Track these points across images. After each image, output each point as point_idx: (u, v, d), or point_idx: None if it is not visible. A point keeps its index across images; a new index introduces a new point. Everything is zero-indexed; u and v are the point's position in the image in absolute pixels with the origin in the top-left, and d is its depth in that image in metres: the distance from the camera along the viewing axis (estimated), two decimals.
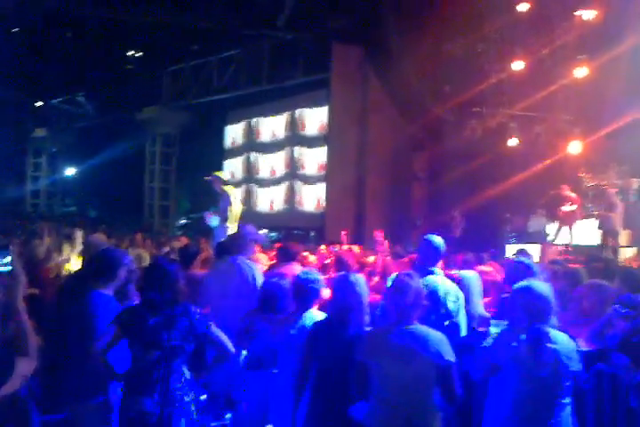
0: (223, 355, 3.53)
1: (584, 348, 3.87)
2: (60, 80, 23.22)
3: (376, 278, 6.10)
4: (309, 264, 6.80)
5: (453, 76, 15.00)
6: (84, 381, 3.66)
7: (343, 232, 10.33)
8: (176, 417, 3.26)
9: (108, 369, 3.40)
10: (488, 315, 5.09)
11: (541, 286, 3.46)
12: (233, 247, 5.28)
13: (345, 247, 9.72)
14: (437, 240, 4.49)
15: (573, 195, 12.46)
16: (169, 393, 3.27)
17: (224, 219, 8.78)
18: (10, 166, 26.72)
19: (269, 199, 21.75)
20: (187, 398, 3.34)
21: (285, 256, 5.77)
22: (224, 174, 9.65)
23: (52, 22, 19.13)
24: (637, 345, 3.76)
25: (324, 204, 18.55)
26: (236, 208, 9.06)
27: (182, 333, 3.30)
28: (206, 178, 9.55)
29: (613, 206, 11.67)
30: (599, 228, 11.77)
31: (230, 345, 3.48)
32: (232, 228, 8.76)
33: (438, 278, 4.37)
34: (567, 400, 3.30)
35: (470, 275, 5.46)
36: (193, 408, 3.38)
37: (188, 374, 3.40)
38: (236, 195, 9.41)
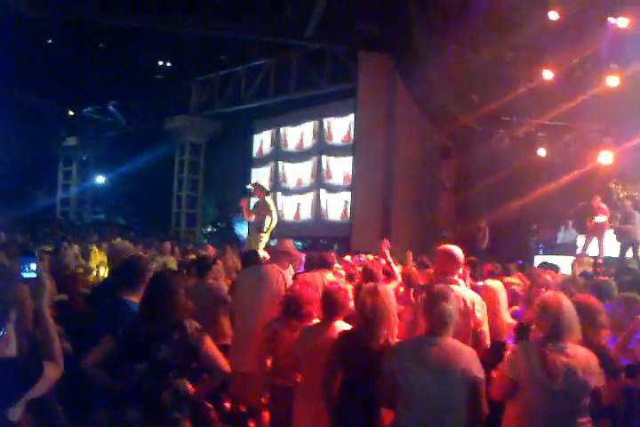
0: (215, 373, 3.34)
1: None
2: (92, 90, 23.64)
3: (401, 289, 6.05)
4: (339, 274, 6.79)
5: (482, 84, 14.88)
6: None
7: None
8: None
9: (102, 380, 3.33)
10: (512, 323, 5.02)
11: (562, 299, 3.40)
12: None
13: (370, 257, 9.66)
14: (454, 250, 4.42)
15: (604, 206, 12.23)
16: (157, 408, 3.17)
17: (261, 229, 8.82)
18: (41, 174, 27.24)
19: (295, 208, 21.80)
20: (177, 415, 3.22)
21: (320, 264, 5.73)
22: (265, 184, 9.62)
23: (83, 33, 19.51)
24: None
25: (349, 213, 18.55)
26: (275, 219, 9.09)
27: (174, 346, 3.20)
28: (248, 186, 9.56)
29: (630, 217, 11.47)
30: (617, 240, 11.58)
31: (223, 363, 3.31)
32: (265, 237, 8.81)
33: (462, 288, 4.31)
34: (585, 419, 3.22)
35: (495, 285, 5.39)
36: (182, 425, 3.25)
37: (183, 389, 3.26)
38: (274, 205, 9.42)
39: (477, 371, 3.16)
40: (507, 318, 5.15)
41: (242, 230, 24.79)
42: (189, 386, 3.32)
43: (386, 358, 3.27)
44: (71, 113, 27.16)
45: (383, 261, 6.04)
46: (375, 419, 3.46)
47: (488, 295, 4.87)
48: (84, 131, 27.58)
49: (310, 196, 21.15)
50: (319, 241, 20.65)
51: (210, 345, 3.29)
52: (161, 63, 23.39)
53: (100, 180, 28.59)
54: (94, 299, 4.49)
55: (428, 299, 3.33)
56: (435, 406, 3.11)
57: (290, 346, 4.00)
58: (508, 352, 3.40)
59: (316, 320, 4.14)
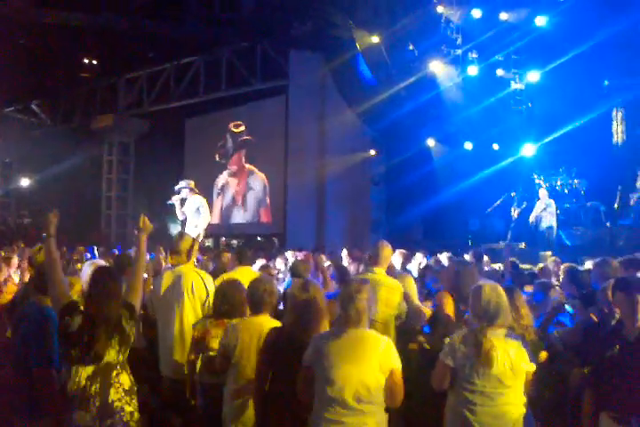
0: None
1: None
2: (14, 88, 22.72)
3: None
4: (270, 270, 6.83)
5: None
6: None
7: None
8: None
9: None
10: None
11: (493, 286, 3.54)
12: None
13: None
14: (383, 243, 4.83)
15: None
16: (107, 406, 3.24)
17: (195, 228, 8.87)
18: None
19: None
20: (128, 408, 3.31)
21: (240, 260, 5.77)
22: (193, 183, 9.66)
23: (5, 29, 18.72)
24: None
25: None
26: (207, 217, 9.32)
27: (115, 346, 3.29)
28: (176, 187, 9.56)
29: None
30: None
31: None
32: (200, 237, 8.88)
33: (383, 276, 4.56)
34: (520, 401, 3.41)
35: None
36: (137, 416, 3.35)
37: (128, 382, 3.36)
38: (205, 205, 9.49)
39: (394, 360, 3.23)
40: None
41: (175, 230, 24.42)
42: (132, 379, 3.42)
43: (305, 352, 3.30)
44: None
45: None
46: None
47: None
48: (6, 131, 26.49)
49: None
50: (256, 238, 20.61)
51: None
52: (87, 61, 22.69)
53: (25, 182, 27.53)
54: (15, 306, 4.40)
55: (342, 293, 3.39)
56: (353, 397, 3.14)
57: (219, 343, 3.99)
58: (447, 340, 3.49)
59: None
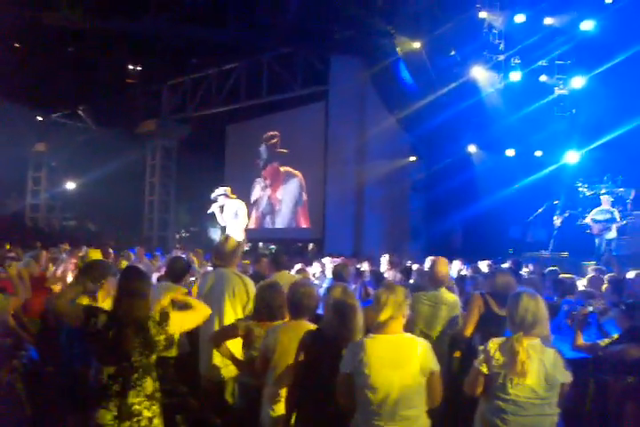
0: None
1: None
2: (61, 94, 23.31)
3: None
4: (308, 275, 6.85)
5: None
6: None
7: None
8: None
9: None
10: None
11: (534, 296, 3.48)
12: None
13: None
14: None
15: None
16: (126, 408, 3.24)
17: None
18: (10, 181, 26.76)
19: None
20: (147, 413, 3.29)
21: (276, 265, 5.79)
22: (229, 189, 9.78)
23: (53, 36, 19.25)
24: None
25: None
26: (245, 221, 9.42)
27: (139, 348, 3.28)
28: (212, 196, 9.70)
29: None
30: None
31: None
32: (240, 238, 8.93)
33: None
34: (553, 411, 3.33)
35: None
36: (156, 422, 3.33)
37: (150, 387, 3.34)
38: (243, 209, 9.59)
39: (433, 362, 3.22)
40: None
41: (215, 234, 24.68)
42: (157, 384, 3.39)
43: (342, 359, 3.29)
44: (40, 118, 26.77)
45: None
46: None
47: None
48: (53, 136, 27.19)
49: None
50: (294, 244, 20.68)
51: (175, 321, 3.43)
52: (131, 67, 23.17)
53: (71, 185, 28.18)
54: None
55: (377, 297, 3.37)
56: (396, 402, 3.13)
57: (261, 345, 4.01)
58: (481, 347, 3.45)
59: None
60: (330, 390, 3.35)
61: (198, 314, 3.63)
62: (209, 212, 9.76)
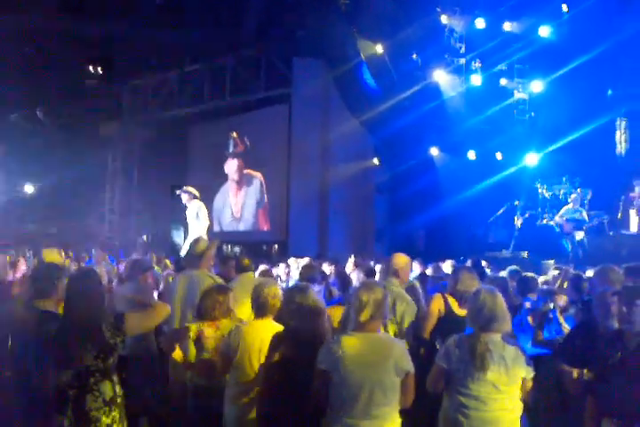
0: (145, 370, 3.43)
1: None
2: (19, 96, 22.83)
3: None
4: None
5: None
6: None
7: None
8: None
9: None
10: None
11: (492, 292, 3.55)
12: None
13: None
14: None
15: None
16: (83, 414, 3.16)
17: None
18: None
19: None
20: (106, 419, 3.20)
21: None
22: (194, 189, 9.75)
23: (9, 37, 18.84)
24: None
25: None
26: (204, 221, 9.39)
27: (93, 351, 3.21)
28: (177, 191, 9.67)
29: None
30: None
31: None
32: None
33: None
34: (515, 405, 3.40)
35: None
36: None
37: (110, 392, 3.25)
38: (203, 210, 9.57)
39: (408, 363, 3.25)
40: None
41: (178, 237, 24.42)
42: (116, 387, 3.31)
43: (318, 356, 3.31)
44: None
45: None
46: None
47: None
48: (10, 138, 26.58)
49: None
50: (257, 246, 20.59)
51: (131, 318, 3.36)
52: (91, 68, 22.80)
53: (30, 189, 27.59)
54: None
55: (356, 296, 3.39)
56: (369, 400, 3.16)
57: (217, 345, 4.00)
58: (442, 344, 3.51)
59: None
60: (300, 389, 3.36)
61: (157, 313, 3.57)
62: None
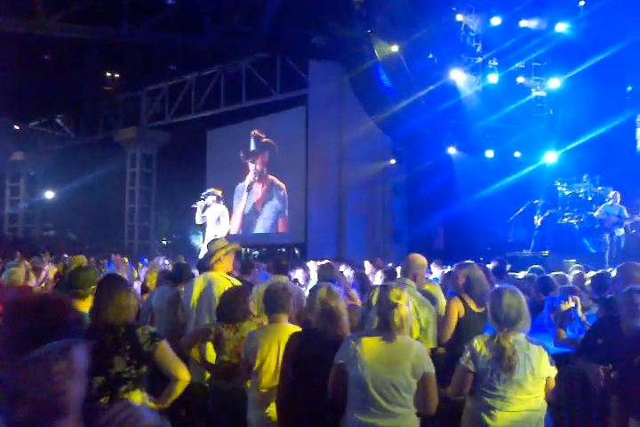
0: (173, 381, 3.26)
1: None
2: (38, 103, 23.11)
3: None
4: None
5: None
6: None
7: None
8: None
9: None
10: None
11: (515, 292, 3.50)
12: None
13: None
14: (414, 256, 4.76)
15: None
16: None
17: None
18: None
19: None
20: None
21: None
22: (221, 193, 9.79)
23: (29, 45, 19.08)
24: None
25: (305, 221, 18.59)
26: (225, 226, 9.45)
27: (126, 357, 3.15)
28: (204, 193, 9.71)
29: None
30: None
31: (181, 370, 3.25)
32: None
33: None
34: (540, 406, 3.35)
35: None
36: None
37: (139, 401, 3.16)
38: (226, 216, 9.60)
39: (427, 365, 3.21)
40: None
41: (197, 241, 24.56)
42: (146, 398, 3.24)
43: (337, 352, 3.29)
44: (17, 127, 26.52)
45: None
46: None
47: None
48: (31, 145, 26.94)
49: None
50: (277, 249, 20.63)
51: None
52: (109, 74, 23.04)
53: (50, 195, 27.91)
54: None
55: (382, 299, 3.35)
56: (384, 397, 3.14)
57: (236, 347, 3.99)
58: (466, 345, 3.46)
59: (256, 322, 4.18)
60: (321, 392, 3.34)
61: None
62: (192, 206, 9.79)
